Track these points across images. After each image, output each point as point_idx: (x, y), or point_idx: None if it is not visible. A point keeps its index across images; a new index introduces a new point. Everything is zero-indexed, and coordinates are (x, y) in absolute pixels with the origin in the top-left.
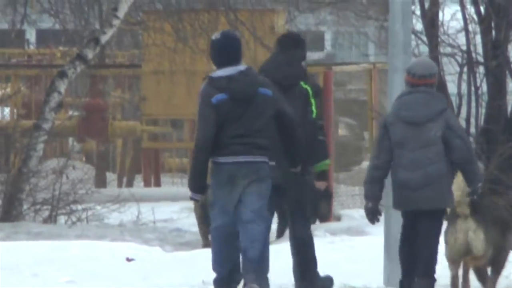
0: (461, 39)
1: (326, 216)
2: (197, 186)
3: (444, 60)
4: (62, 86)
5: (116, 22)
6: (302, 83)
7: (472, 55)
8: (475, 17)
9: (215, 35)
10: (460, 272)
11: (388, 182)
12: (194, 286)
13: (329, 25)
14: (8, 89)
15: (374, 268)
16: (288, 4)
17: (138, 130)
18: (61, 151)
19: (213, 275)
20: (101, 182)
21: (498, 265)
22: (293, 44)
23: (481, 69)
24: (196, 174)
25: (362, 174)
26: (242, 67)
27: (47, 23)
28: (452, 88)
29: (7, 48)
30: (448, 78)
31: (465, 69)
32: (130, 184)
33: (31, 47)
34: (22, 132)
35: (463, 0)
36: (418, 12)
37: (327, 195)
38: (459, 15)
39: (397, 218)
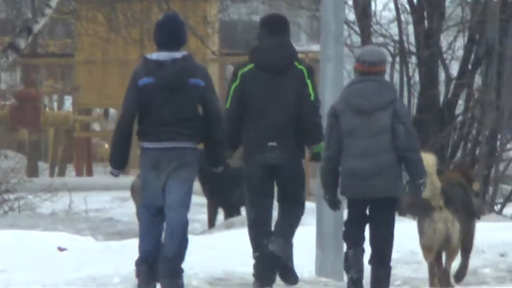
0: (394, 29)
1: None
2: (115, 162)
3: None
4: None
5: (48, 11)
6: (296, 63)
7: (405, 45)
8: (407, 7)
9: (160, 17)
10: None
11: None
12: (126, 275)
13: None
14: None
15: (306, 258)
16: None
17: (70, 119)
18: None
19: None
20: (33, 171)
21: (467, 253)
22: (280, 26)
23: (413, 59)
24: (115, 152)
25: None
26: (179, 54)
27: None
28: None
29: None
30: None
31: (398, 59)
32: (62, 173)
33: None
34: None
35: None
36: (350, 2)
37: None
38: (392, 5)
39: (329, 209)
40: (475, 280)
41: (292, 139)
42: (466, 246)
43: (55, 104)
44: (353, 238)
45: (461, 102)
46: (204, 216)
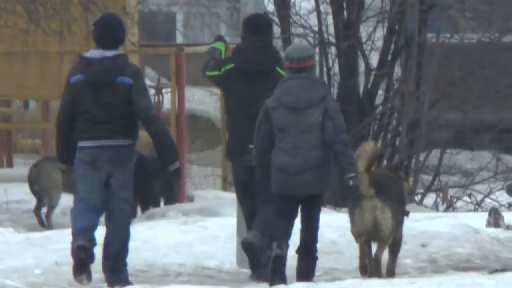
0: (313, 20)
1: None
2: (61, 157)
3: (296, 40)
4: None
5: None
6: (277, 68)
7: (324, 36)
8: None
9: (100, 16)
10: None
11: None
12: (47, 267)
13: (180, 6)
14: None
15: (227, 249)
16: None
17: None
18: None
19: (66, 256)
20: None
21: (399, 243)
22: (264, 28)
23: (333, 49)
24: (58, 147)
25: (216, 155)
26: (110, 52)
27: None
28: None
29: None
30: None
31: (317, 49)
32: None
33: None
34: None
35: None
36: None
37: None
38: None
39: None
40: (396, 270)
41: None
42: (394, 242)
43: None
44: (282, 232)
45: (381, 92)
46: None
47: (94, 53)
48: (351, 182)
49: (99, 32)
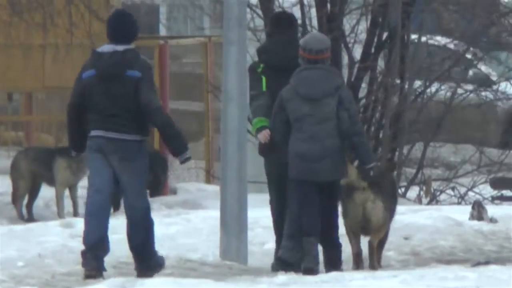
0: (296, 13)
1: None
2: (72, 145)
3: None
4: None
5: None
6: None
7: (307, 28)
8: None
9: (113, 12)
10: None
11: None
12: (30, 259)
13: None
14: None
15: (210, 242)
16: None
17: None
18: None
19: (48, 248)
20: None
21: (386, 235)
22: (289, 24)
23: None
24: (71, 138)
25: (199, 148)
26: (121, 47)
27: None
28: None
29: None
30: None
31: None
32: None
33: None
34: None
35: None
36: None
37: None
38: None
39: (233, 193)
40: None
41: None
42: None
43: None
44: (312, 225)
45: (364, 85)
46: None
47: (106, 47)
48: (371, 172)
49: (111, 27)
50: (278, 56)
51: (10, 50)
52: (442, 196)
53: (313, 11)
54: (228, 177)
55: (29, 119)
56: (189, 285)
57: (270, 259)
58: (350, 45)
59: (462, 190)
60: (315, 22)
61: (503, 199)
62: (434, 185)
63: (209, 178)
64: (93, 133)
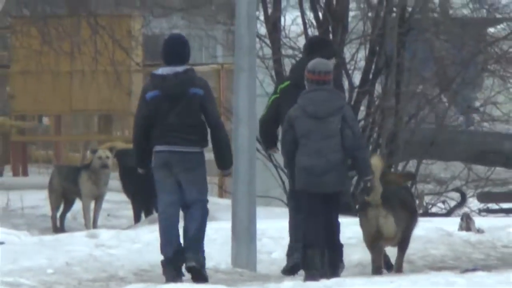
0: (301, 42)
1: None
2: (138, 162)
3: (286, 61)
4: None
5: None
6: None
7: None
8: (314, 22)
9: (167, 36)
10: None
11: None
12: (59, 267)
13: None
14: None
15: (223, 251)
16: (144, 9)
17: (7, 125)
18: None
19: (76, 257)
20: None
21: (404, 244)
22: (316, 46)
23: None
24: (136, 155)
25: (212, 164)
26: (181, 68)
27: None
28: None
29: None
30: None
31: None
32: (0, 174)
33: None
34: None
35: (302, 6)
36: (262, 18)
37: None
38: (300, 20)
39: (243, 206)
40: (369, 270)
41: None
42: (402, 240)
43: None
44: (315, 237)
45: (363, 108)
46: (129, 213)
47: (165, 70)
48: (368, 184)
49: (167, 50)
50: (299, 77)
51: (41, 76)
52: (434, 209)
53: None
54: (239, 191)
55: (57, 139)
56: None
57: (276, 267)
58: (350, 71)
59: (452, 203)
60: None
61: (489, 211)
62: (426, 198)
63: (222, 192)
64: (158, 148)
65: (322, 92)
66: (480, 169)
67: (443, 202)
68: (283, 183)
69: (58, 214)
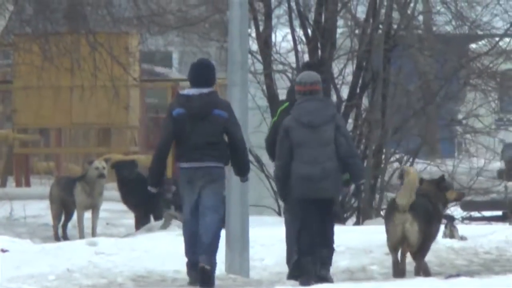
0: (291, 58)
1: None
2: (153, 181)
3: (277, 76)
4: None
5: None
6: None
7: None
8: (303, 38)
9: (196, 61)
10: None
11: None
12: (60, 274)
13: (176, 46)
14: None
15: (217, 258)
16: (140, 27)
17: (10, 137)
18: None
19: (76, 264)
20: None
21: (425, 251)
22: (310, 68)
23: None
24: (153, 172)
25: None
26: (206, 90)
27: None
28: None
29: None
30: (280, 92)
31: None
32: (3, 184)
33: None
34: None
35: (292, 23)
36: (253, 35)
37: None
38: (290, 37)
39: (236, 215)
40: (363, 276)
41: None
42: (423, 247)
43: None
44: (309, 247)
45: (350, 121)
46: (127, 221)
47: (192, 91)
48: (362, 187)
49: (195, 73)
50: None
51: (42, 91)
52: None
53: (306, 57)
54: (232, 201)
55: (58, 151)
56: None
57: (268, 273)
58: (338, 86)
59: None
60: None
61: (472, 219)
62: None
63: None
64: (184, 165)
65: (313, 102)
66: (462, 178)
67: None
68: (275, 193)
69: (60, 224)
